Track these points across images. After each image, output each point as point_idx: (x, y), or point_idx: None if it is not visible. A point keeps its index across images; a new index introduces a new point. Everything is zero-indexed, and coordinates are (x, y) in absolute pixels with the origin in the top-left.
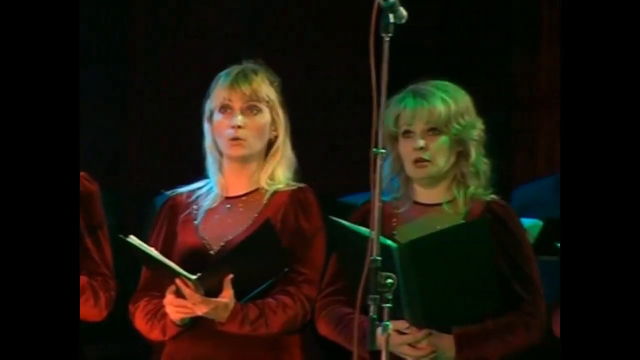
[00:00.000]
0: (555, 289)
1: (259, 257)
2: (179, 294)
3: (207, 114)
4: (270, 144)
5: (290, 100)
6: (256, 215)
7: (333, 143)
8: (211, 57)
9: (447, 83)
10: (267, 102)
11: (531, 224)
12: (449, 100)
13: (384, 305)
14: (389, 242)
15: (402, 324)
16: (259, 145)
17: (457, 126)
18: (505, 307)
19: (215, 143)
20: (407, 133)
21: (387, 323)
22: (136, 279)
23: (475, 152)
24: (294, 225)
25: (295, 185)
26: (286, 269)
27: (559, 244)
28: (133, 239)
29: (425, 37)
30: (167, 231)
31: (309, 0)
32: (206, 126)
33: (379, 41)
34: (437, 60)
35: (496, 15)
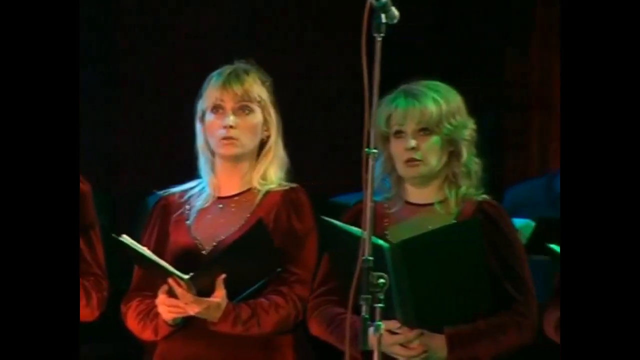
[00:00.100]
0: (546, 289)
1: (251, 257)
2: (171, 293)
3: (199, 114)
4: (263, 144)
5: (282, 100)
6: (248, 215)
7: (325, 143)
8: (210, 57)
9: (438, 83)
10: (259, 102)
11: (523, 224)
12: (440, 100)
13: (376, 305)
14: (380, 242)
15: (393, 324)
16: (251, 144)
17: (448, 126)
18: (496, 307)
19: (207, 143)
20: (399, 133)
21: (379, 323)
22: (128, 279)
23: (466, 152)
24: (286, 225)
25: (287, 185)
26: (279, 269)
27: (550, 244)
28: (126, 238)
29: (417, 37)
30: (159, 231)
31: (308, 0)
32: (198, 126)
33: (371, 41)
34: (429, 60)
35: (488, 15)
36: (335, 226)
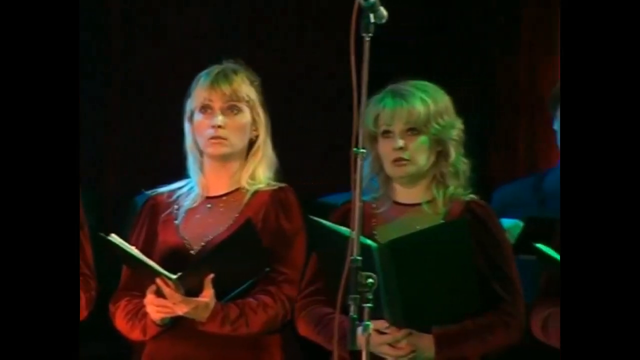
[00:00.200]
0: (535, 289)
1: (239, 256)
2: (159, 293)
3: (187, 113)
4: (251, 144)
5: (270, 100)
6: (237, 215)
7: (313, 143)
8: (208, 57)
9: (426, 83)
10: (248, 101)
11: (512, 225)
12: (428, 100)
13: (364, 305)
14: (369, 241)
15: (382, 324)
16: (239, 144)
17: (436, 126)
18: (484, 307)
19: (195, 143)
20: (387, 133)
21: (368, 323)
22: (117, 279)
23: (454, 152)
24: (274, 225)
25: (276, 185)
26: (267, 269)
27: (538, 245)
28: (114, 238)
29: (406, 37)
30: (147, 231)
31: (308, 1)
32: (187, 126)
33: (360, 41)
34: (418, 60)
35: (477, 15)
36: (323, 226)
